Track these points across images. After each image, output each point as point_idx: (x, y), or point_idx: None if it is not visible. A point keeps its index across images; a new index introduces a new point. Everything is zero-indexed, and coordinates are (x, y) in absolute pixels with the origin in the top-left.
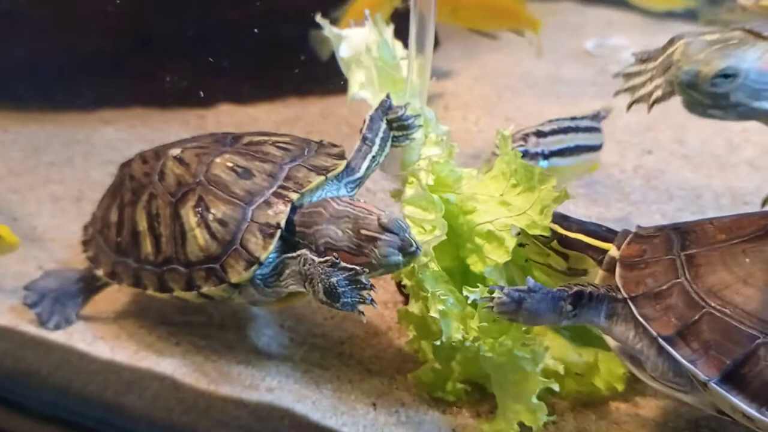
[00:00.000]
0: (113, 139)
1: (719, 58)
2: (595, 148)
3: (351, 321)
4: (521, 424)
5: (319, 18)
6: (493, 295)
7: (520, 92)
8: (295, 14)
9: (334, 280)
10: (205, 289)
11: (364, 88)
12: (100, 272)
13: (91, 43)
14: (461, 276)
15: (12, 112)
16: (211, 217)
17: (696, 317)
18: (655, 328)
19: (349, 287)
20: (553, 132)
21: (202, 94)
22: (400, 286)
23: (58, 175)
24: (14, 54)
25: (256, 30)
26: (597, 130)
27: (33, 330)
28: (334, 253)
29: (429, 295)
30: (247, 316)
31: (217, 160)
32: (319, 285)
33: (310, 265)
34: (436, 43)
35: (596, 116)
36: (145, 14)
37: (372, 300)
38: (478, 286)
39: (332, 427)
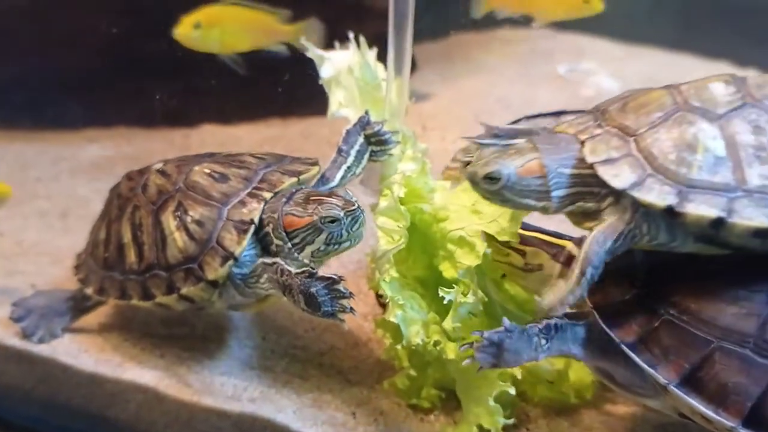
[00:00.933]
0: (99, 157)
1: (489, 163)
2: None
3: (331, 333)
4: (481, 428)
5: (303, 40)
6: (474, 342)
7: (496, 114)
8: None
9: (313, 290)
10: (184, 290)
11: (343, 107)
12: (89, 290)
13: (77, 63)
14: (434, 284)
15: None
16: (189, 219)
17: (656, 324)
18: (618, 335)
19: (329, 296)
20: None
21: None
22: (378, 298)
23: (45, 191)
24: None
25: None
26: None
27: (18, 343)
28: (311, 265)
29: (389, 301)
30: (229, 328)
31: (196, 168)
32: (299, 296)
33: (287, 276)
34: (415, 67)
35: None
36: (130, 35)
37: (351, 308)
38: (453, 286)
39: None
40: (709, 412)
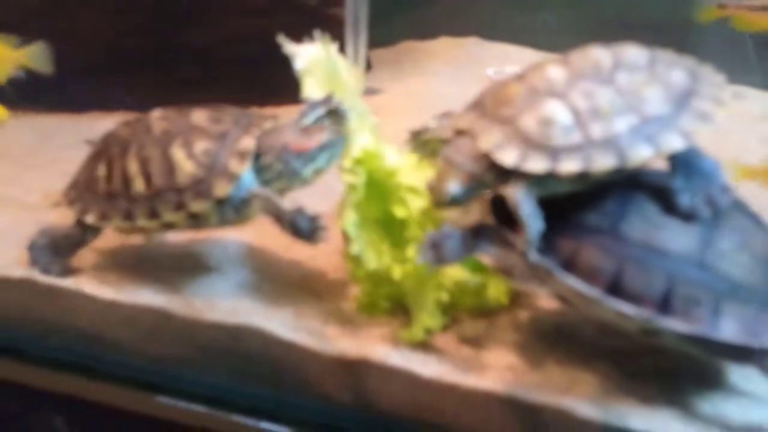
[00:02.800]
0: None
1: (443, 193)
2: None
3: (308, 265)
4: (426, 328)
5: (280, 37)
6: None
7: (435, 106)
8: (252, 38)
9: (299, 222)
10: (194, 207)
11: (313, 91)
12: (90, 218)
13: (84, 56)
14: (388, 224)
15: (10, 108)
16: (196, 150)
17: None
18: (515, 237)
19: (309, 227)
20: None
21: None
22: (345, 236)
23: (67, 156)
24: None
25: (220, 51)
26: None
27: (45, 279)
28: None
29: (351, 236)
30: (226, 260)
31: (194, 112)
32: (287, 224)
33: (279, 209)
34: (369, 68)
35: None
36: (126, 34)
37: (324, 237)
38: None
39: (293, 340)
40: (582, 288)
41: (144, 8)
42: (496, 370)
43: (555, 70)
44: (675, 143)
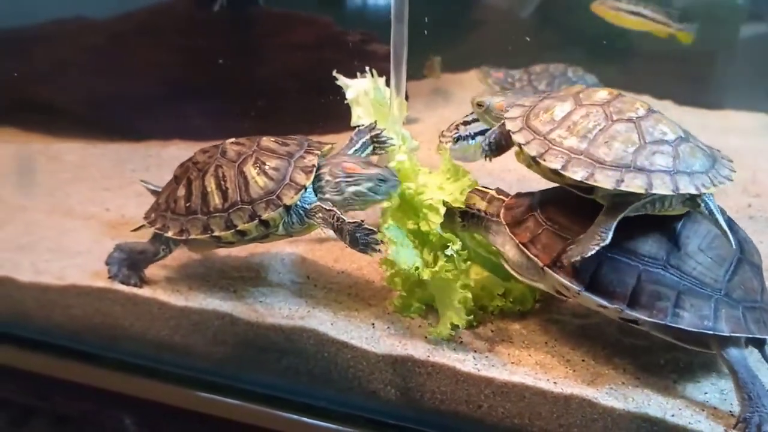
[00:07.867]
0: (178, 155)
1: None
2: None
3: (357, 275)
4: (452, 325)
5: (335, 72)
6: None
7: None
8: (302, 72)
9: (357, 234)
10: (265, 216)
11: (361, 118)
12: (170, 233)
13: (144, 90)
14: (417, 233)
15: (88, 137)
16: (267, 167)
17: (539, 231)
18: (518, 237)
19: (366, 240)
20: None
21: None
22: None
23: (139, 178)
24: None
25: (274, 83)
26: None
27: (124, 288)
28: (361, 220)
29: (389, 239)
30: (283, 271)
31: (264, 138)
32: (347, 235)
33: (341, 222)
34: (407, 98)
35: None
36: (184, 68)
37: (379, 249)
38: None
39: (344, 340)
40: (566, 282)
41: (202, 47)
42: (527, 366)
43: (604, 92)
44: (637, 185)
